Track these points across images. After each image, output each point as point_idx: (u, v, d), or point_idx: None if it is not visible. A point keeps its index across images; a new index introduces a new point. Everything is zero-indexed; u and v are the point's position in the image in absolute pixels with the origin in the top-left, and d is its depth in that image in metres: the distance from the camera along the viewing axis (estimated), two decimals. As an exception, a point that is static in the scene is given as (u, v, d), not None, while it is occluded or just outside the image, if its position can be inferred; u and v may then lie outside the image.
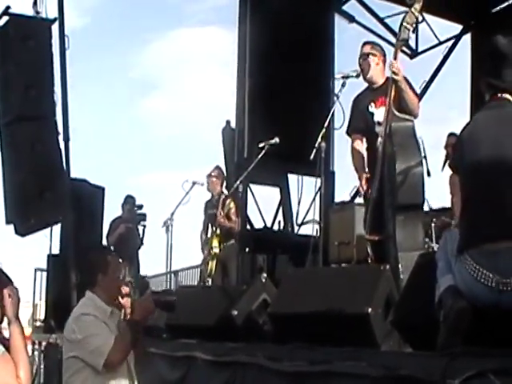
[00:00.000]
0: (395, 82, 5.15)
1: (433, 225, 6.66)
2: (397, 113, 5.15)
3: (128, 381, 3.79)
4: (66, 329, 3.80)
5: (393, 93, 5.19)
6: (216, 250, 8.19)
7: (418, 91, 10.50)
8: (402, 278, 4.39)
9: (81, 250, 7.18)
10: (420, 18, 5.26)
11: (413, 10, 5.10)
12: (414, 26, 5.23)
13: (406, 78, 5.30)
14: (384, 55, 5.62)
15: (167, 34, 38.73)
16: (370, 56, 5.56)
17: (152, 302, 3.77)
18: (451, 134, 7.62)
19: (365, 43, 5.76)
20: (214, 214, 8.35)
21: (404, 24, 5.13)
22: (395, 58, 5.20)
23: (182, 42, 32.74)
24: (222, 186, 8.70)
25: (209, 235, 8.49)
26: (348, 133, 5.81)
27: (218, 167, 8.81)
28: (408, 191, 4.93)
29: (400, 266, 4.61)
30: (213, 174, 8.63)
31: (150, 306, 3.77)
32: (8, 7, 7.92)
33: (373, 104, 5.55)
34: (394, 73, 5.15)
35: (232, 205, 8.32)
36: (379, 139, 5.24)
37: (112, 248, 9.32)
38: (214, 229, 8.24)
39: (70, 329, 3.73)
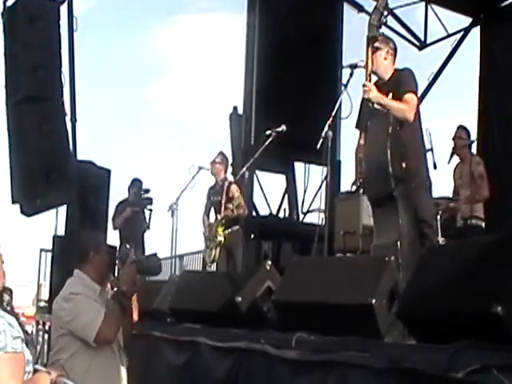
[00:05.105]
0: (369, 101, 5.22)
1: (438, 217, 6.60)
2: (374, 110, 5.21)
3: (116, 358, 3.83)
4: (54, 309, 3.86)
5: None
6: (220, 239, 8.14)
7: (426, 83, 10.54)
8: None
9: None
10: (385, 13, 5.19)
11: (378, 6, 5.12)
12: (381, 21, 5.19)
13: (406, 72, 5.37)
14: (393, 49, 5.56)
15: (170, 19, 38.64)
16: (378, 49, 5.45)
17: (134, 268, 3.84)
18: (460, 127, 7.66)
19: None
20: (217, 200, 8.30)
21: (370, 22, 5.15)
22: (367, 58, 5.25)
23: (185, 27, 32.70)
24: (225, 172, 8.62)
25: (211, 220, 8.49)
26: (357, 128, 5.83)
27: (221, 153, 8.70)
28: (381, 182, 4.98)
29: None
30: (216, 160, 8.54)
31: (132, 273, 3.84)
32: (17, -12, 7.93)
33: None
34: (364, 92, 5.21)
35: (239, 197, 8.22)
36: None
37: (118, 231, 9.40)
38: (219, 217, 8.19)
39: (60, 308, 3.78)
